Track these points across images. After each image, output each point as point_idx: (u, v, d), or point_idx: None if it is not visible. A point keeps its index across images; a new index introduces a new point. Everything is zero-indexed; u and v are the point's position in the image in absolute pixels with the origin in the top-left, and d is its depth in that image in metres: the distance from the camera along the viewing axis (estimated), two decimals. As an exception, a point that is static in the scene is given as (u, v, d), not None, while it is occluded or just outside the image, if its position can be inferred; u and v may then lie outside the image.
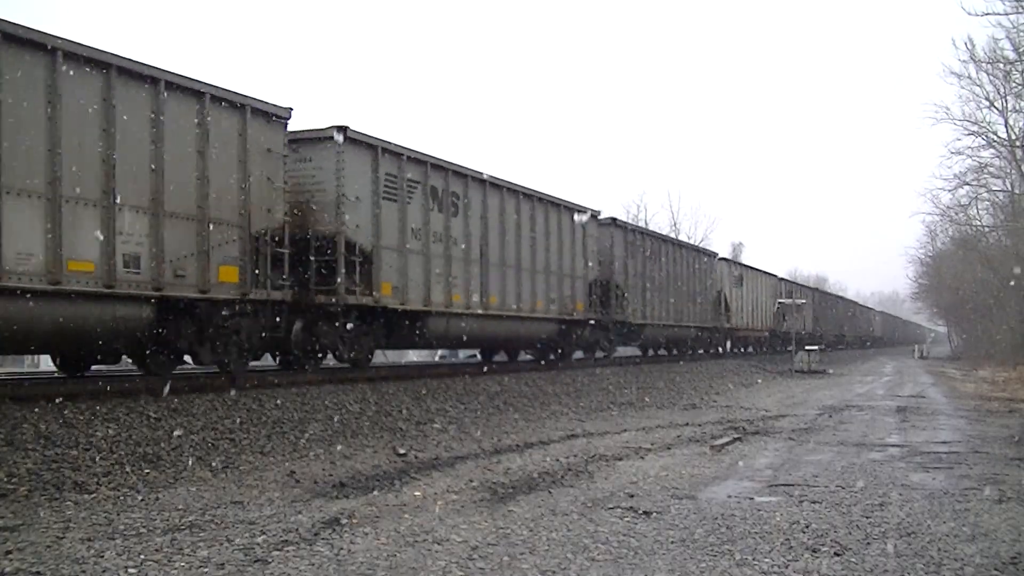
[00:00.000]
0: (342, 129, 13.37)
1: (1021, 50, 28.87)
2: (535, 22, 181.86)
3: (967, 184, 36.53)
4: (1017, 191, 35.35)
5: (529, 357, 21.81)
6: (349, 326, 13.81)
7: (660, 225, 56.03)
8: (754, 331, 37.58)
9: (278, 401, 11.13)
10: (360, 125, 13.68)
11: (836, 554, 5.51)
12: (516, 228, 18.21)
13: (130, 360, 12.78)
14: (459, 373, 16.54)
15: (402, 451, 10.01)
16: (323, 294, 13.10)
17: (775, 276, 42.81)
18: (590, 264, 21.44)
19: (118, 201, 9.98)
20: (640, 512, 6.76)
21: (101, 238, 9.82)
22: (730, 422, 13.94)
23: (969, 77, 32.25)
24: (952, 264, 49.15)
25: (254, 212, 11.84)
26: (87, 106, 9.76)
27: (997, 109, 33.06)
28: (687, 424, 13.56)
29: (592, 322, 21.58)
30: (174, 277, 10.71)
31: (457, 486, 7.95)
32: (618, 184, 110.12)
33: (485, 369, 18.10)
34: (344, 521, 6.38)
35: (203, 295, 11.12)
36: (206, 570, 5.13)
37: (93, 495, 7.22)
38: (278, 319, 12.58)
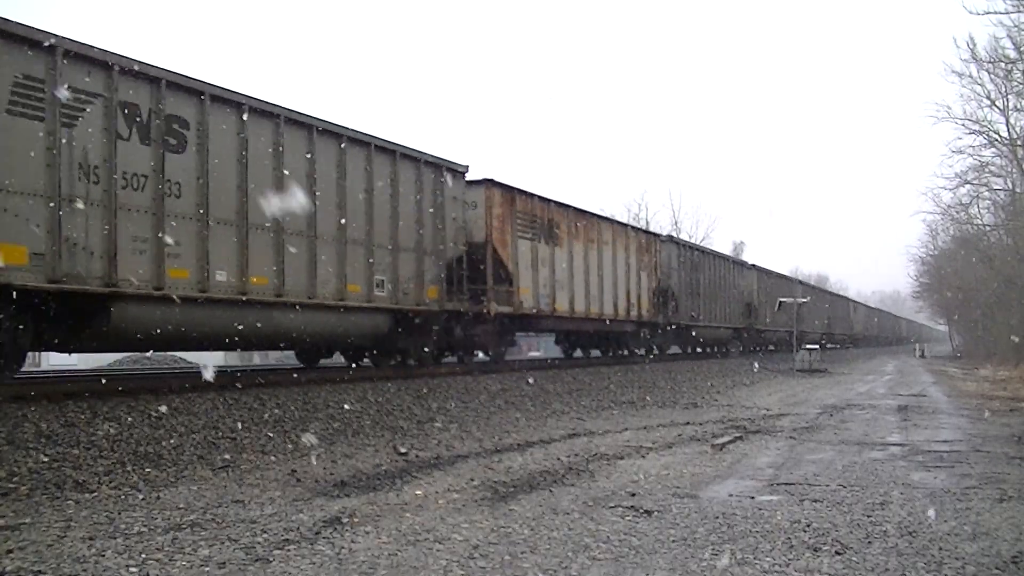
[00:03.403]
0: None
1: (1022, 49, 28.85)
2: (536, 23, 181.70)
3: (968, 183, 36.57)
4: (1018, 190, 35.32)
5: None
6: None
7: (661, 224, 56.17)
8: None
9: (279, 400, 11.13)
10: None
11: (837, 553, 5.50)
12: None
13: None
14: (470, 372, 16.59)
15: (403, 450, 10.01)
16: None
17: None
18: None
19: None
20: (641, 511, 6.75)
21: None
22: (731, 421, 13.94)
23: (970, 76, 32.31)
24: (953, 263, 49.14)
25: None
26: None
27: (998, 108, 33.10)
28: (688, 423, 13.55)
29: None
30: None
31: (458, 485, 7.94)
32: (620, 183, 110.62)
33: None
34: (345, 520, 6.38)
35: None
36: (207, 569, 5.13)
37: (94, 494, 7.22)
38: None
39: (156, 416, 9.41)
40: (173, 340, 11.75)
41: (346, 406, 11.82)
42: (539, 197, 19.79)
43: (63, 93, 9.62)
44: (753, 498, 7.34)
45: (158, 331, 10.90)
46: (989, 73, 32.00)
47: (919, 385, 25.27)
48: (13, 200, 9.19)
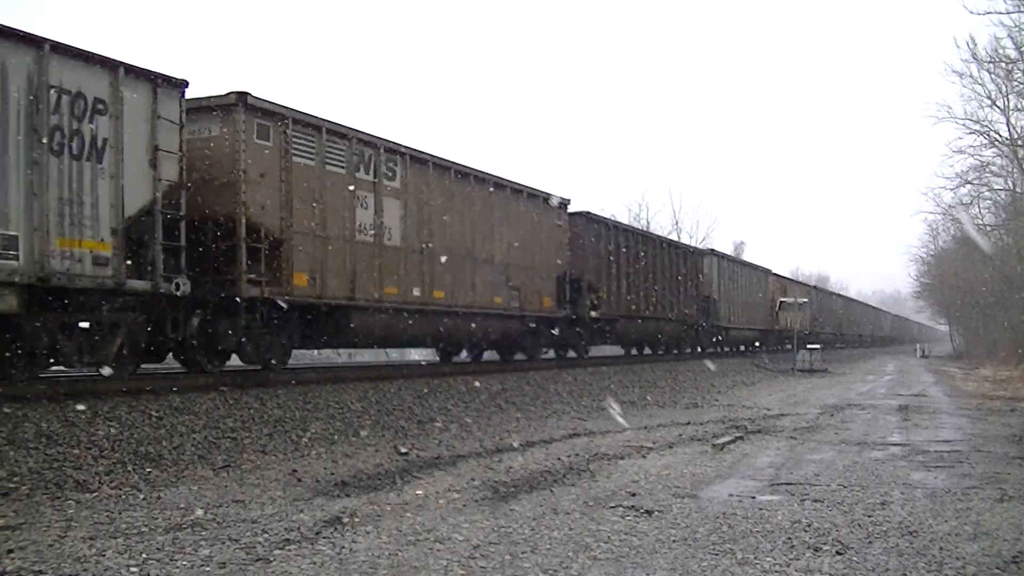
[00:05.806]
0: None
1: (1022, 49, 28.85)
2: (536, 22, 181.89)
3: (969, 183, 36.54)
4: (1019, 190, 35.32)
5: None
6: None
7: (662, 224, 56.38)
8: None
9: (280, 400, 11.13)
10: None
11: (838, 553, 5.50)
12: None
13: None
14: (460, 373, 16.55)
15: (404, 450, 10.01)
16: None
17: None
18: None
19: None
20: (642, 511, 6.75)
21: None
22: (732, 421, 13.93)
23: (971, 76, 32.24)
24: (954, 263, 49.10)
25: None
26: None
27: (999, 108, 33.04)
28: (689, 423, 13.55)
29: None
30: None
31: (459, 485, 7.94)
32: (620, 183, 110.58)
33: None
34: (346, 520, 6.38)
35: None
36: (208, 569, 5.13)
37: (95, 494, 7.23)
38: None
39: (156, 416, 9.42)
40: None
41: (347, 406, 11.81)
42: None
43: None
44: (754, 498, 7.33)
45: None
46: (990, 73, 31.98)
47: (919, 385, 25.26)
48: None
